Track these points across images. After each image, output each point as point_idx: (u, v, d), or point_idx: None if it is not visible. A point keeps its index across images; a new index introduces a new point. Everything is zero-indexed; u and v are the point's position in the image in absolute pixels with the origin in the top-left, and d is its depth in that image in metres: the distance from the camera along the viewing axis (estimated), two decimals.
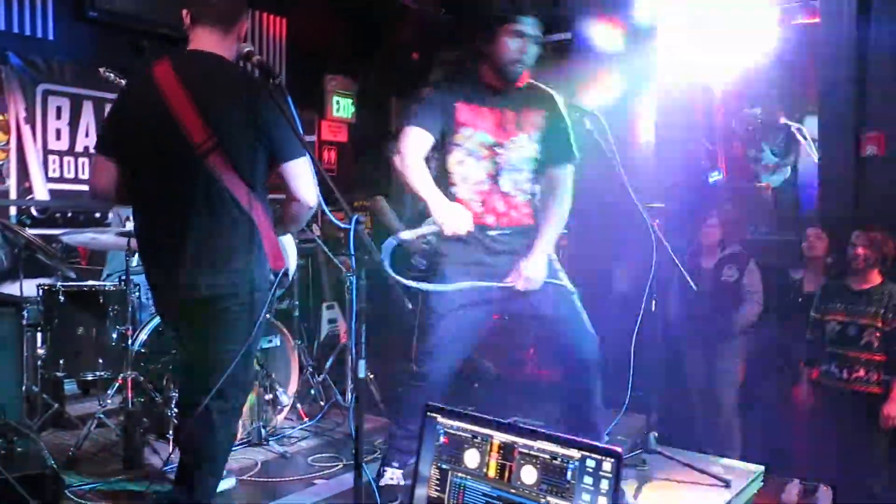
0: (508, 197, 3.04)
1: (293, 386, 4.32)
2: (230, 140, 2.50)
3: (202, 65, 2.58)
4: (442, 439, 1.98)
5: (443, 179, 3.01)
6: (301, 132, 2.44)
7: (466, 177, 3.01)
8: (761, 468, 3.15)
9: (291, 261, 2.77)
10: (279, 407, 4.13)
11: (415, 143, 2.95)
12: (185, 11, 2.62)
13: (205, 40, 2.58)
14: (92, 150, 5.11)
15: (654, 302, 3.21)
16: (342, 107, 6.65)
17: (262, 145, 2.52)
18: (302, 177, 2.55)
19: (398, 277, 2.59)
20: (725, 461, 3.32)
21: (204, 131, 2.48)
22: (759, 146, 5.40)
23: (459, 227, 2.87)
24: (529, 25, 2.88)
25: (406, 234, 3.06)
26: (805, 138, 5.26)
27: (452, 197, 2.98)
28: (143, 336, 4.00)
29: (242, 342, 2.54)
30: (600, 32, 5.20)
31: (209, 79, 2.55)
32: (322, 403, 4.61)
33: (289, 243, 2.76)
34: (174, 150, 2.51)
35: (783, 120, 5.44)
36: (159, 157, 2.54)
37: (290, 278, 2.85)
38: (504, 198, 3.03)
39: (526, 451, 1.86)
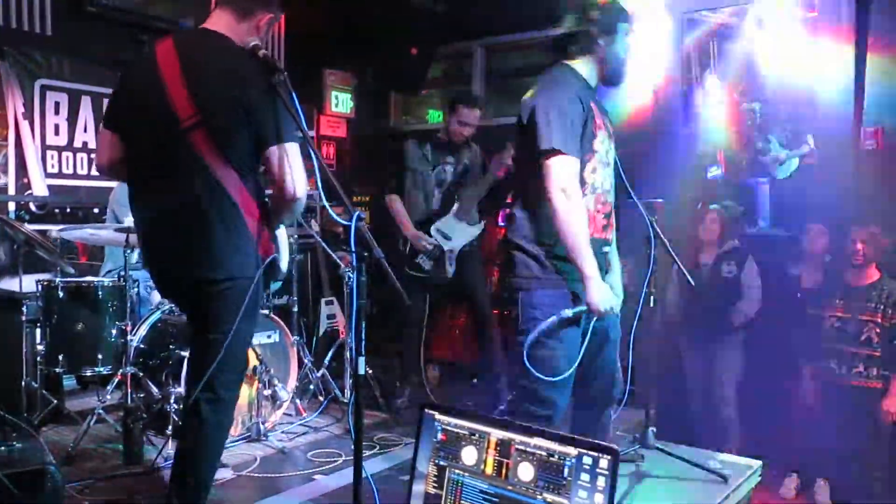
0: (613, 208, 2.81)
1: (292, 381, 4.32)
2: (215, 118, 2.45)
3: (203, 42, 2.59)
4: (440, 436, 1.98)
5: None
6: (304, 125, 2.38)
7: (596, 187, 2.70)
8: (759, 463, 3.15)
9: (284, 254, 2.72)
10: (278, 402, 4.15)
11: (576, 177, 2.55)
12: None
13: (217, 20, 2.59)
14: (91, 146, 5.14)
15: (652, 297, 3.20)
16: (341, 101, 6.64)
17: (250, 127, 2.45)
18: (285, 163, 2.44)
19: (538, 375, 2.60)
20: (723, 456, 3.31)
21: (189, 107, 2.44)
22: (765, 139, 5.36)
23: (608, 311, 2.64)
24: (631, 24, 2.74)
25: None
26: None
27: None
28: (142, 332, 4.01)
29: (225, 331, 2.46)
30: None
31: (205, 56, 2.55)
32: (321, 399, 4.63)
33: (282, 237, 2.71)
34: (160, 125, 2.50)
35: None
36: (149, 131, 2.54)
37: (285, 273, 2.79)
38: (614, 210, 2.79)
39: (523, 448, 1.86)
